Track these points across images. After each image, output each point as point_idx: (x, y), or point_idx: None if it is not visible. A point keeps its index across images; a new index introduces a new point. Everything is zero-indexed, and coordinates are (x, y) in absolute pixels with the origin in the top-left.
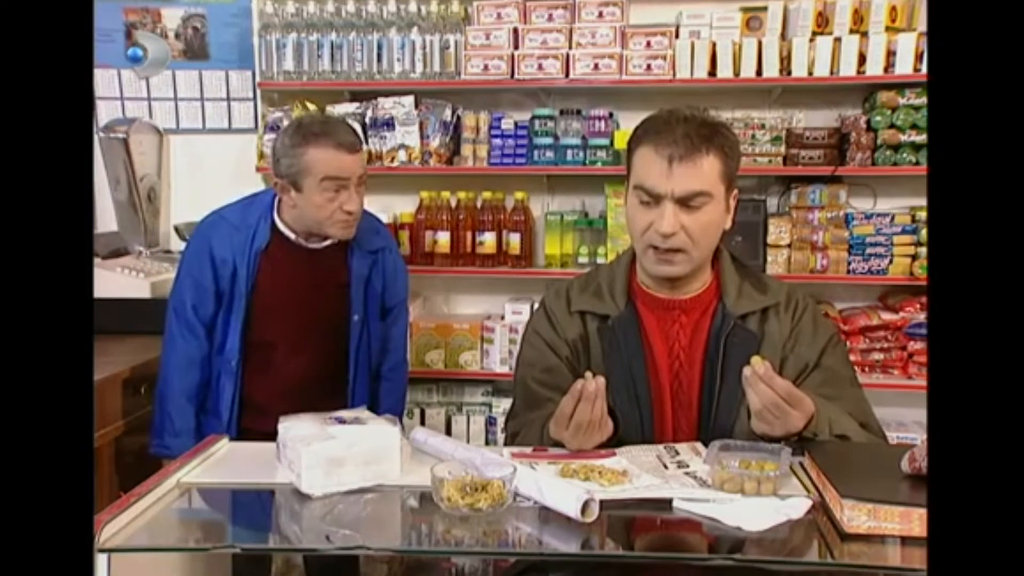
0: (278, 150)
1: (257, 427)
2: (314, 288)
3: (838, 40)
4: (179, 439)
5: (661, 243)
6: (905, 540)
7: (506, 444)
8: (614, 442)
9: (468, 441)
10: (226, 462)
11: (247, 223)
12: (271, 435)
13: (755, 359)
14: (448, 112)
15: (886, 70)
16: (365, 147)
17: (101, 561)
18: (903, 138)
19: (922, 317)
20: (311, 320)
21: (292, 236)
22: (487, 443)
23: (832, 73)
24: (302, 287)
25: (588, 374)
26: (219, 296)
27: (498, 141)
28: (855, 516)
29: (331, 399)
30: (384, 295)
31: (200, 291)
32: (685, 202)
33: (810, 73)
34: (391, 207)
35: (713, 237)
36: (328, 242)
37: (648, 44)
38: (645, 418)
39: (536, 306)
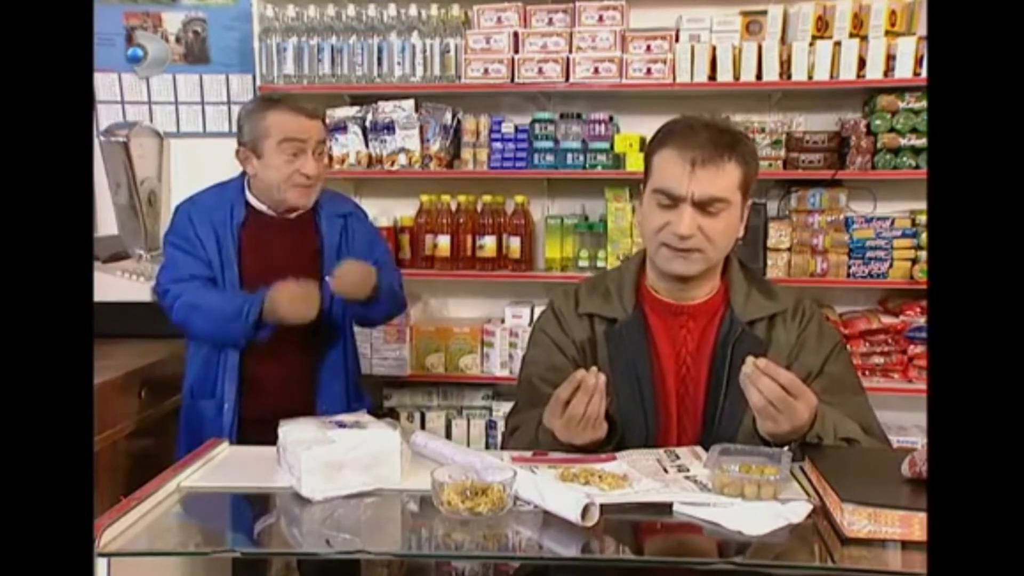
0: (241, 119)
1: (256, 409)
2: (290, 258)
3: (838, 44)
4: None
5: (677, 243)
6: (905, 544)
7: (503, 440)
8: (614, 445)
9: (468, 445)
10: (226, 466)
11: (222, 202)
12: (267, 419)
13: (750, 359)
14: (448, 116)
15: (886, 74)
16: (364, 150)
17: (101, 565)
18: (903, 142)
19: (922, 321)
20: None
21: (264, 209)
22: (487, 447)
23: (832, 77)
24: (279, 258)
25: (593, 368)
26: (210, 268)
27: (498, 145)
28: (855, 520)
29: (305, 371)
30: (366, 258)
31: (198, 261)
32: (703, 206)
33: (810, 77)
34: (391, 211)
35: (728, 242)
36: (299, 212)
37: (648, 48)
38: (649, 422)
39: (536, 309)
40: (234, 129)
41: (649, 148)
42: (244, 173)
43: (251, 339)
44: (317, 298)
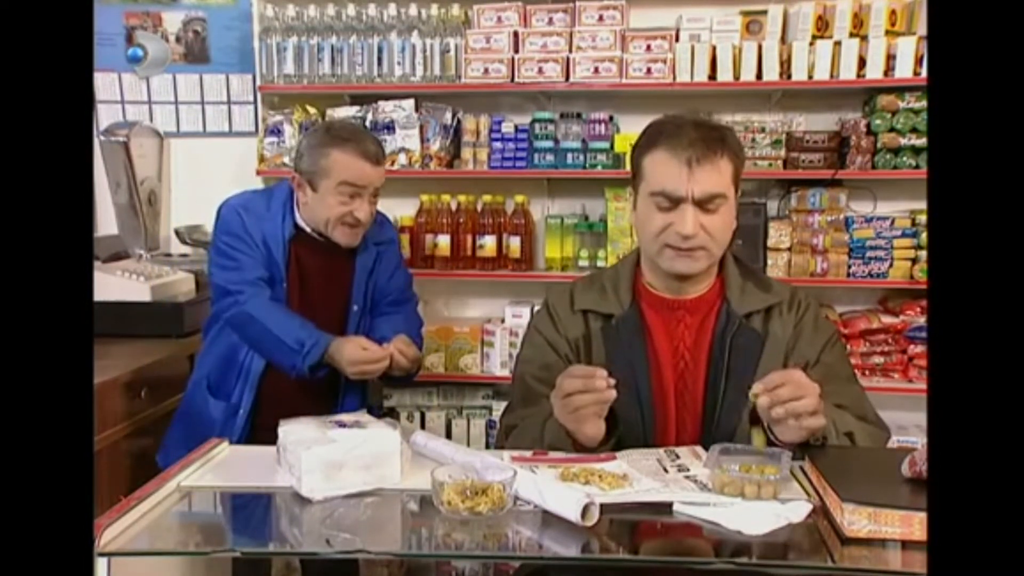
0: (303, 147)
1: (271, 418)
2: (327, 279)
3: (838, 44)
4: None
5: (681, 244)
6: (906, 544)
7: (498, 439)
8: (612, 444)
9: (468, 445)
10: (226, 466)
11: (272, 213)
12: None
13: (752, 393)
14: (448, 115)
15: (886, 73)
16: None
17: (101, 565)
18: (903, 141)
19: (922, 320)
20: (319, 310)
21: (308, 230)
22: (487, 446)
23: (832, 77)
24: (315, 279)
25: (612, 383)
26: (269, 272)
27: (498, 144)
28: (856, 520)
29: (325, 386)
30: (384, 289)
31: (259, 264)
32: (703, 204)
33: (810, 77)
34: (391, 210)
35: (727, 237)
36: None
37: (648, 48)
38: (647, 418)
39: (537, 307)
40: (234, 129)
41: (638, 150)
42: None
43: (302, 375)
44: (384, 367)
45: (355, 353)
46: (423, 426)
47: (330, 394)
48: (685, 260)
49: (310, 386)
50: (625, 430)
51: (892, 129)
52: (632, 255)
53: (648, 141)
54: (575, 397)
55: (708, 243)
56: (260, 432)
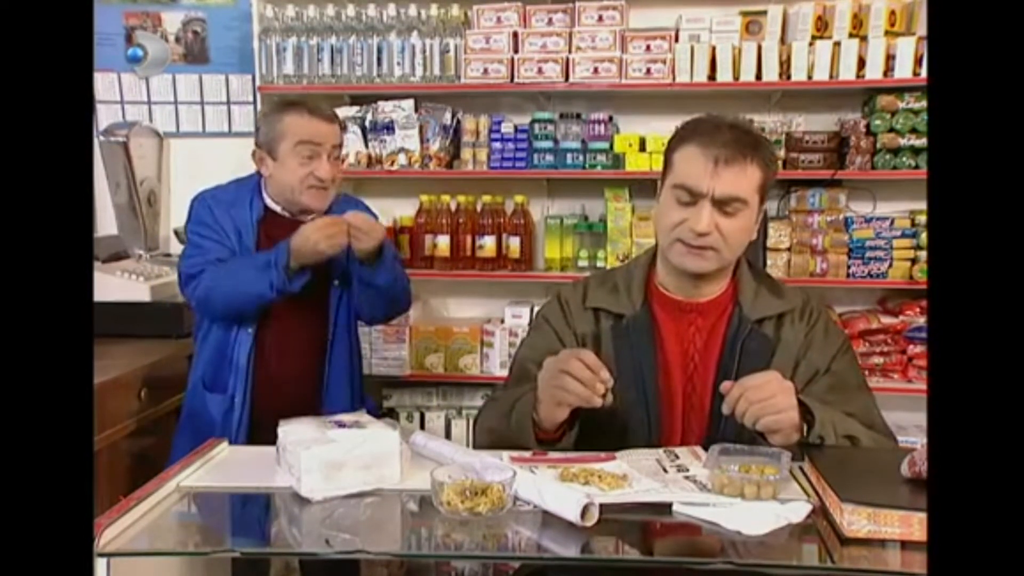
0: (259, 120)
1: (264, 407)
2: None
3: (838, 44)
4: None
5: (693, 240)
6: (905, 544)
7: (482, 409)
8: (570, 440)
9: (468, 445)
10: (225, 466)
11: (241, 198)
12: (275, 418)
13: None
14: (448, 116)
15: (885, 74)
16: (364, 150)
17: (101, 565)
18: (903, 142)
19: (922, 321)
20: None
21: (279, 210)
22: None
23: (832, 77)
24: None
25: (610, 397)
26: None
27: (498, 145)
28: (855, 520)
29: (313, 369)
30: None
31: (223, 248)
32: (721, 205)
33: (810, 77)
34: (391, 211)
35: (742, 243)
36: (313, 216)
37: (648, 48)
38: (653, 419)
39: (536, 309)
40: (234, 129)
41: (671, 144)
42: (260, 173)
43: (283, 290)
44: (346, 227)
45: (311, 228)
46: (423, 426)
47: (320, 383)
48: (694, 258)
49: (299, 375)
50: (631, 431)
51: (892, 129)
52: (646, 254)
53: (682, 136)
54: (570, 381)
55: (720, 244)
56: (259, 429)
